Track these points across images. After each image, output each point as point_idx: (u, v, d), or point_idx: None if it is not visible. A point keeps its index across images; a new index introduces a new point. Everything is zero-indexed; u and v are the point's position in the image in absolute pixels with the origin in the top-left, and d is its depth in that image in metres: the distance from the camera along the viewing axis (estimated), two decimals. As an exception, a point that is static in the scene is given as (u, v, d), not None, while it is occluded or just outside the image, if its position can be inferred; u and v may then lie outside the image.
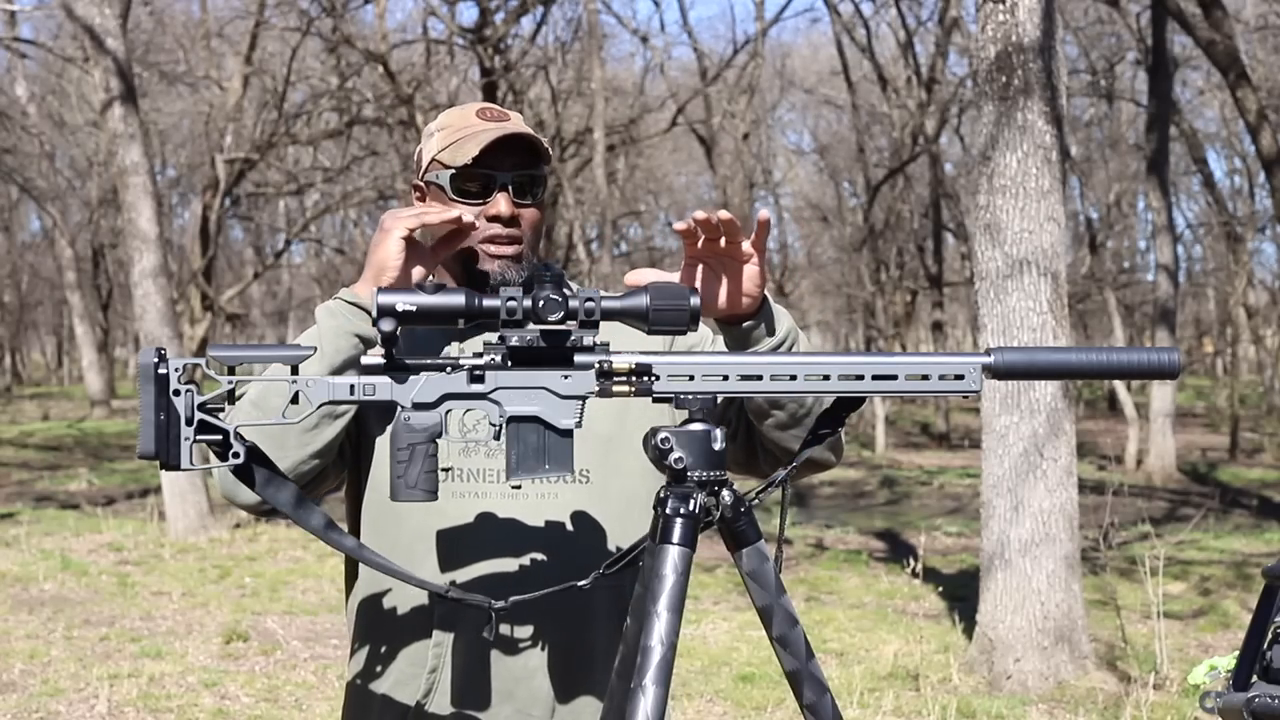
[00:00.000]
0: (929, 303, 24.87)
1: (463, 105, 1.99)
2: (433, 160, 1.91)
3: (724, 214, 1.69)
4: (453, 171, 1.88)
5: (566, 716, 1.87)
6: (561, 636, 1.86)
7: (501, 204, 1.88)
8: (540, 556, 1.85)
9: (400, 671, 1.87)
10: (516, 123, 1.92)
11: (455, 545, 1.86)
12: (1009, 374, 1.61)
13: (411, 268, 1.79)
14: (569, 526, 1.87)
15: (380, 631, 1.90)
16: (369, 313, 1.75)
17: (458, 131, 1.90)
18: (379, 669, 1.89)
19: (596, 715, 1.71)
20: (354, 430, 1.88)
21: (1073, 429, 6.38)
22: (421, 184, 1.95)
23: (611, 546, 1.85)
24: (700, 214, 1.69)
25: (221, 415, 1.54)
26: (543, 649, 1.85)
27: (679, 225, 1.71)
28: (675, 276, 1.75)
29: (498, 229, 1.88)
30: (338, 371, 1.73)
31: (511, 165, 1.88)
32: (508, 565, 1.84)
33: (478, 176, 1.87)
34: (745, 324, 1.77)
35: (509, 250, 1.89)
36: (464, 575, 1.85)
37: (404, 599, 1.87)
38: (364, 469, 1.92)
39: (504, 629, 1.83)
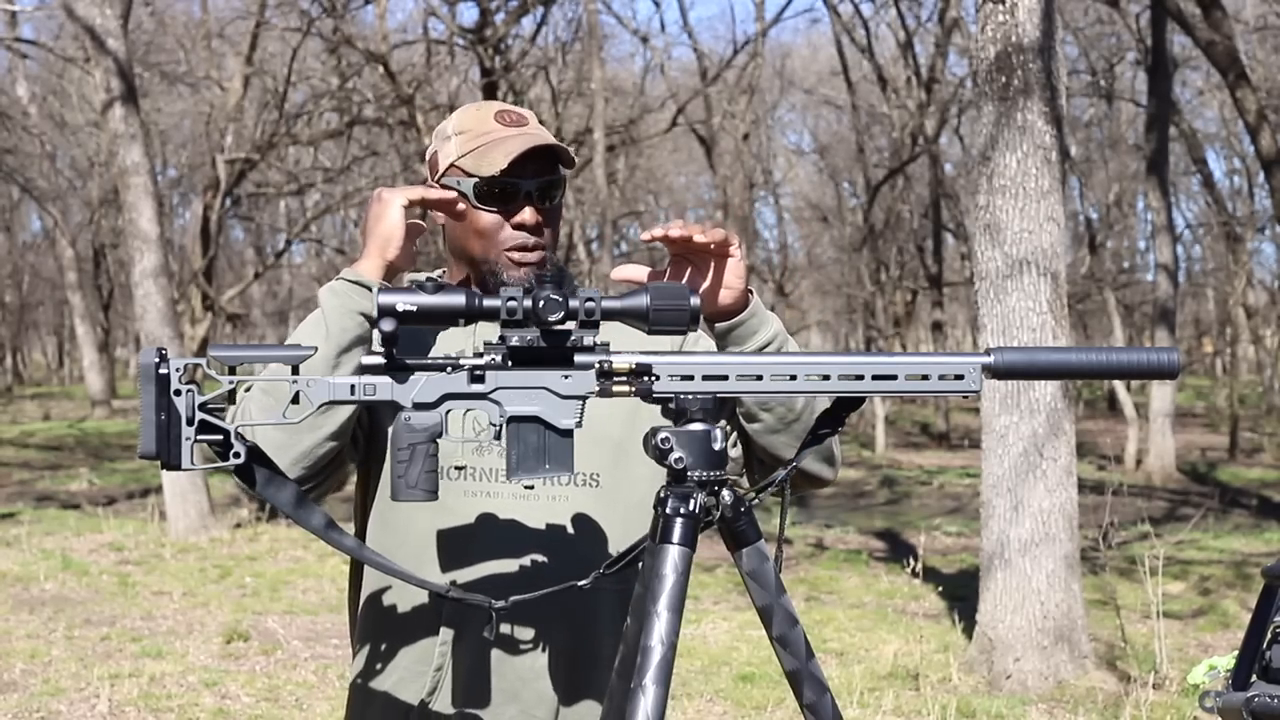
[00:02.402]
0: (929, 303, 24.87)
1: (478, 106, 1.97)
2: (452, 166, 1.90)
3: (674, 231, 1.71)
4: (476, 180, 1.86)
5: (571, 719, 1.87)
6: (567, 639, 1.85)
7: (527, 214, 1.87)
8: (546, 558, 1.85)
9: (405, 670, 1.87)
10: (535, 126, 1.91)
11: (463, 545, 1.86)
12: (1009, 374, 1.61)
13: (413, 240, 1.80)
14: (577, 529, 1.87)
15: (385, 630, 1.89)
16: (373, 290, 1.75)
17: (479, 137, 1.89)
18: (383, 667, 1.88)
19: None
20: (366, 421, 1.88)
21: (1072, 429, 6.38)
22: (438, 186, 1.92)
23: (617, 551, 1.85)
24: (658, 230, 1.71)
25: (223, 415, 1.54)
26: (548, 651, 1.85)
27: (644, 236, 1.74)
28: (661, 272, 1.78)
29: (524, 238, 1.87)
30: (346, 350, 1.74)
31: (535, 173, 1.87)
32: (513, 566, 1.84)
33: (503, 186, 1.86)
34: (729, 320, 1.79)
35: (533, 258, 1.88)
36: (470, 575, 1.84)
37: (410, 599, 1.87)
38: (374, 464, 1.92)
39: (510, 630, 1.83)
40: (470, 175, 1.87)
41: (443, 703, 1.84)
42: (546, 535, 1.86)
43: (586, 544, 1.86)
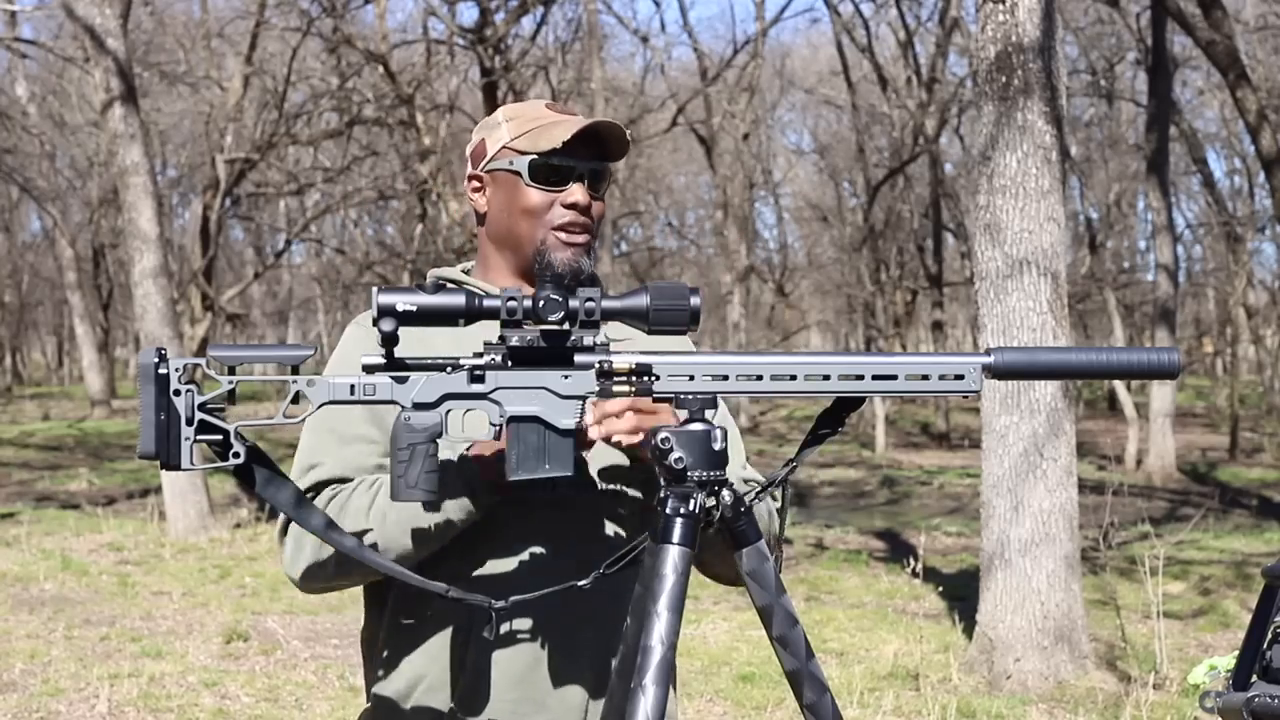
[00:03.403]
0: (929, 303, 24.88)
1: (528, 100, 1.99)
2: (504, 148, 1.89)
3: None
4: (533, 158, 1.86)
5: None
6: (593, 646, 1.83)
7: (579, 193, 1.86)
8: (576, 564, 1.82)
9: (433, 679, 1.84)
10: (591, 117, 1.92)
11: (496, 551, 1.83)
12: (1009, 374, 1.61)
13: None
14: (610, 536, 1.86)
15: (412, 639, 1.86)
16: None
17: (532, 121, 1.89)
18: (408, 677, 1.86)
19: None
20: None
21: (1073, 429, 6.38)
22: (483, 174, 1.92)
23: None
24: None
25: (223, 414, 1.54)
26: (574, 658, 1.83)
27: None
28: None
29: (573, 216, 1.87)
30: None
31: (588, 156, 1.87)
32: (546, 570, 1.80)
33: (558, 165, 1.86)
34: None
35: (580, 239, 1.87)
36: (502, 576, 1.82)
37: (437, 607, 1.83)
38: None
39: (538, 638, 1.81)
40: (524, 154, 1.86)
41: (470, 711, 1.82)
42: (578, 541, 1.84)
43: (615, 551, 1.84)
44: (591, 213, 1.88)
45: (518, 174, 1.87)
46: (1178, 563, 9.13)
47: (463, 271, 1.98)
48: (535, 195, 1.87)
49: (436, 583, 1.76)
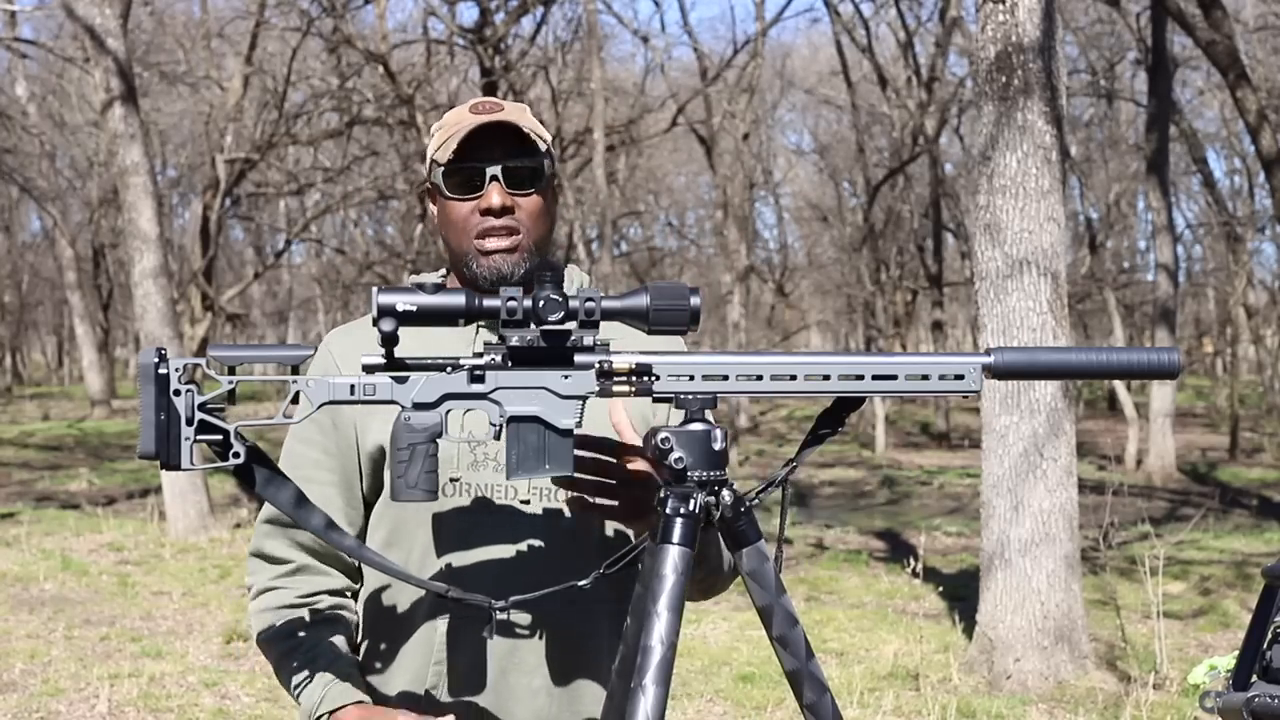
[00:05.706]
0: (929, 303, 24.88)
1: (466, 103, 1.94)
2: (430, 160, 1.89)
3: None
4: (443, 168, 1.84)
5: None
6: (562, 655, 1.84)
7: (493, 196, 1.81)
8: (539, 574, 1.82)
9: (406, 670, 1.85)
10: (509, 113, 1.85)
11: (455, 555, 1.84)
12: (1009, 374, 1.61)
13: None
14: (567, 545, 1.85)
15: (384, 632, 1.88)
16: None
17: (451, 129, 1.86)
18: (381, 667, 1.88)
19: None
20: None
21: (1073, 429, 6.38)
22: (429, 185, 1.91)
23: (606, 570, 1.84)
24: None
25: (223, 415, 1.54)
26: (542, 666, 1.83)
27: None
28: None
29: (491, 221, 1.82)
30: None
31: (501, 155, 1.83)
32: (506, 578, 1.81)
33: (466, 170, 1.83)
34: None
35: (505, 243, 1.83)
36: (461, 584, 1.83)
37: (406, 602, 1.86)
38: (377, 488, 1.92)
39: (505, 643, 1.81)
40: (440, 165, 1.85)
41: (442, 698, 1.83)
42: (537, 551, 1.84)
43: (577, 561, 1.84)
44: (517, 212, 1.84)
45: (439, 186, 1.85)
46: (1178, 563, 9.13)
47: (439, 277, 1.93)
48: (452, 207, 1.85)
49: (436, 583, 1.77)
